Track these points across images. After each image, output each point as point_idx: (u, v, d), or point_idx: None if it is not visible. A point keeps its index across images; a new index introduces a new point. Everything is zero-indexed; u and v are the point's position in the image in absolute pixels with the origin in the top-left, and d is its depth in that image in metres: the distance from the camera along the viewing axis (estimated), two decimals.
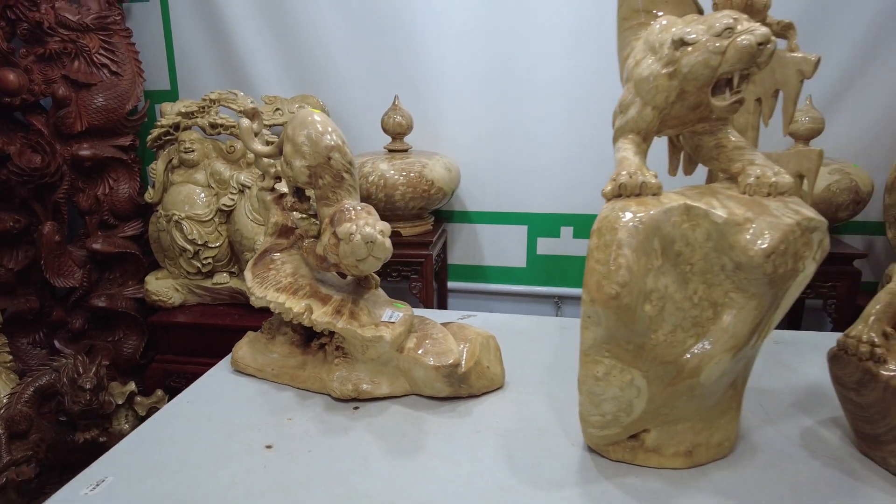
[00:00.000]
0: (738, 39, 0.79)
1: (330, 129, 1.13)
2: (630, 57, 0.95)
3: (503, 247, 2.60)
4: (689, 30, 0.84)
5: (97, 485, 0.95)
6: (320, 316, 1.14)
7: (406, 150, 2.27)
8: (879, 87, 2.14)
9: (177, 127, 2.35)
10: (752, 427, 1.10)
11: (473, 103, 2.43)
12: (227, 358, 1.37)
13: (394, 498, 0.91)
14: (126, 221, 2.56)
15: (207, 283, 2.40)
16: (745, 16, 0.82)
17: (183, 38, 2.61)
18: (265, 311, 1.25)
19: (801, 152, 1.02)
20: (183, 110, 2.35)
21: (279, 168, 1.29)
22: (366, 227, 1.03)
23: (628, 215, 0.83)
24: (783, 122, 1.03)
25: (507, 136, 2.44)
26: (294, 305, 1.17)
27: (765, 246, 0.81)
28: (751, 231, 0.82)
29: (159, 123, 2.35)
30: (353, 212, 1.08)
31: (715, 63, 0.81)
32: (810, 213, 0.85)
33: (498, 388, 1.23)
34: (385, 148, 2.29)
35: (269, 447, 1.05)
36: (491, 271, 2.66)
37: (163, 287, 2.42)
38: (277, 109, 2.40)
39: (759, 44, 0.79)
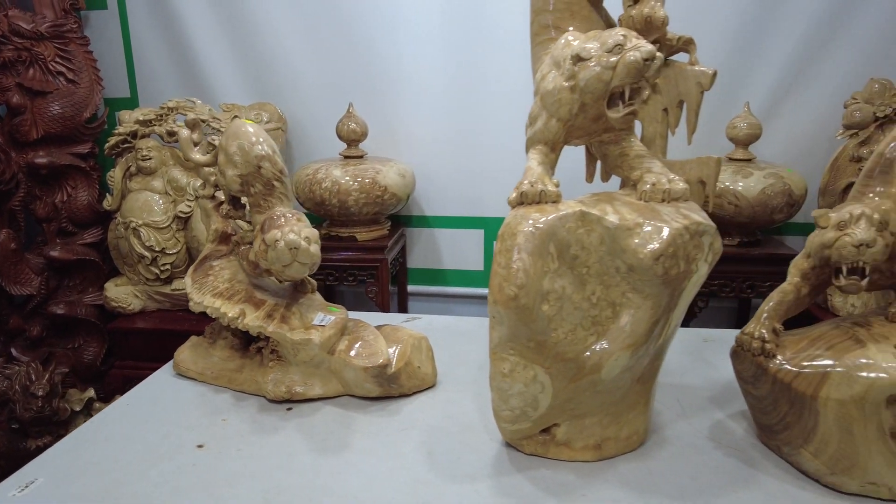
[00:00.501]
0: (627, 55, 0.85)
1: (261, 140, 1.17)
2: (538, 71, 1.01)
3: (461, 250, 2.65)
4: (585, 46, 0.90)
5: (27, 486, 0.98)
6: (252, 320, 1.18)
7: (361, 157, 2.32)
8: (815, 95, 2.23)
9: (134, 135, 2.36)
10: (666, 421, 1.16)
11: (430, 110, 2.48)
12: (169, 364, 1.40)
13: (314, 492, 0.95)
14: (85, 228, 2.56)
15: (166, 290, 2.41)
16: (635, 33, 0.88)
17: (142, 46, 2.63)
18: (214, 319, 1.29)
19: (702, 160, 1.08)
20: (141, 118, 2.37)
21: (216, 176, 1.32)
22: (290, 234, 1.07)
23: (526, 222, 0.88)
24: (687, 132, 1.09)
25: (464, 142, 2.49)
26: (229, 310, 1.21)
27: (653, 249, 0.87)
28: (640, 235, 0.88)
29: (117, 131, 2.37)
30: (282, 219, 1.12)
31: (607, 77, 0.87)
32: (699, 217, 0.91)
33: (430, 388, 1.28)
34: (341, 154, 2.33)
35: (200, 447, 1.08)
36: (450, 275, 2.70)
37: (122, 293, 2.43)
38: (236, 117, 2.42)
39: (645, 60, 0.84)
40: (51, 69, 2.37)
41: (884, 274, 0.97)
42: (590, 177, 1.16)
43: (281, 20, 2.45)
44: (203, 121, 2.37)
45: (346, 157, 2.31)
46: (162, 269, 2.33)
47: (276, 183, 1.18)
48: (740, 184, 2.02)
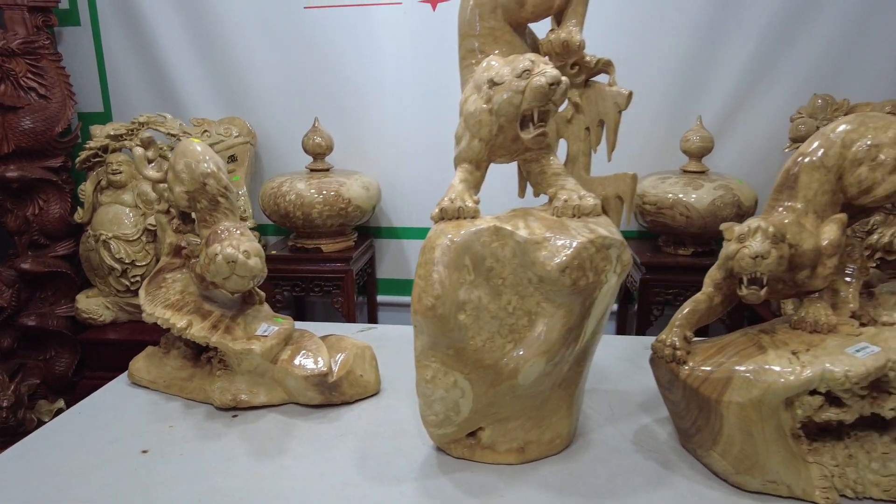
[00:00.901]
0: (533, 81, 0.91)
1: (207, 158, 1.23)
2: (464, 93, 1.07)
3: None
4: (500, 71, 0.96)
5: None
6: (198, 330, 1.22)
7: (327, 170, 2.37)
8: (765, 109, 2.31)
9: (105, 149, 2.41)
10: (594, 425, 1.21)
11: (396, 124, 2.54)
12: (124, 374, 1.44)
13: (247, 493, 1.00)
14: (57, 241, 2.60)
15: (136, 301, 2.43)
16: (544, 59, 0.94)
17: (115, 62, 2.67)
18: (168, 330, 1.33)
19: (618, 176, 1.14)
20: (112, 133, 2.41)
21: (167, 192, 1.37)
22: (228, 248, 1.12)
23: (444, 236, 0.94)
24: (607, 149, 1.15)
25: (429, 155, 2.55)
26: (178, 321, 1.26)
27: (559, 261, 0.92)
28: (548, 248, 0.93)
29: (88, 146, 2.41)
30: (225, 233, 1.17)
31: (517, 101, 0.93)
32: (606, 231, 0.96)
33: (373, 395, 1.32)
34: (307, 168, 2.38)
35: (144, 452, 1.12)
36: None
37: (94, 305, 2.46)
38: (205, 131, 2.48)
39: (550, 84, 0.90)
40: (22, 85, 2.42)
41: (787, 283, 1.03)
42: (521, 192, 1.22)
43: (250, 38, 2.51)
44: (173, 135, 2.43)
45: (311, 170, 2.36)
46: (132, 280, 2.37)
47: (220, 199, 1.23)
48: (693, 195, 2.09)
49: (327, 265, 2.30)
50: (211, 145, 2.36)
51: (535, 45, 1.14)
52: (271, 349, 1.22)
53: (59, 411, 2.49)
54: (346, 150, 2.53)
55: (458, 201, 0.97)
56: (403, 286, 2.77)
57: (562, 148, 1.20)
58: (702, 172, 2.18)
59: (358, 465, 1.08)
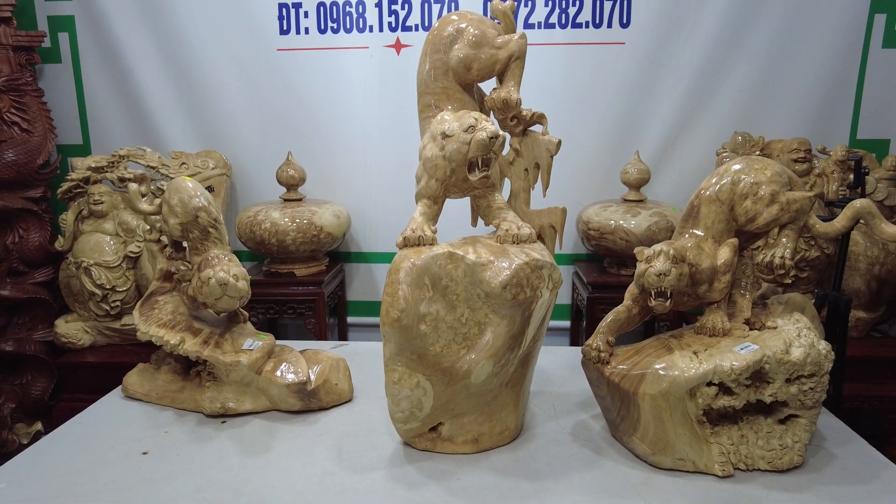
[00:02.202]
0: (477, 135, 1.12)
1: (198, 193, 1.40)
2: (421, 141, 1.27)
3: None
4: (451, 126, 1.17)
5: None
6: (191, 346, 1.38)
7: (300, 200, 2.55)
8: (695, 144, 2.59)
9: (87, 180, 2.54)
10: (539, 421, 1.41)
11: (365, 156, 2.74)
12: (118, 388, 1.58)
13: (238, 484, 1.16)
14: (36, 268, 2.69)
15: (116, 325, 2.56)
16: (486, 117, 1.16)
17: (95, 97, 2.80)
18: (159, 347, 1.49)
19: (551, 209, 1.35)
20: (93, 165, 2.55)
21: (161, 223, 1.54)
22: (220, 273, 1.29)
23: (407, 260, 1.13)
24: (542, 187, 1.36)
25: (395, 185, 2.75)
26: (171, 338, 1.41)
27: (501, 280, 1.13)
28: (492, 269, 1.14)
29: (70, 178, 2.54)
30: (216, 259, 1.34)
31: (464, 151, 1.14)
32: (538, 255, 1.17)
33: (347, 401, 1.50)
34: (281, 198, 2.56)
35: (144, 453, 1.27)
36: None
37: (73, 329, 2.56)
38: (183, 164, 2.63)
39: (490, 138, 1.12)
40: (6, 119, 2.54)
41: (690, 296, 1.25)
42: (473, 222, 1.42)
43: (226, 77, 2.69)
44: (153, 167, 2.57)
45: (285, 200, 2.54)
46: (112, 305, 2.49)
47: (211, 229, 1.40)
48: (632, 222, 2.34)
49: (300, 288, 2.46)
50: (189, 177, 2.52)
51: (481, 100, 1.36)
52: (256, 361, 1.39)
53: (38, 434, 2.57)
54: (317, 180, 2.72)
55: (418, 231, 1.17)
56: (372, 307, 2.94)
57: (506, 185, 1.41)
58: (640, 201, 2.44)
59: (335, 458, 1.25)
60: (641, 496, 1.12)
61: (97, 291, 2.46)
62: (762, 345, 1.16)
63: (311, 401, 1.42)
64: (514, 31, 1.31)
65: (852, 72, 2.58)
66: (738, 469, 1.20)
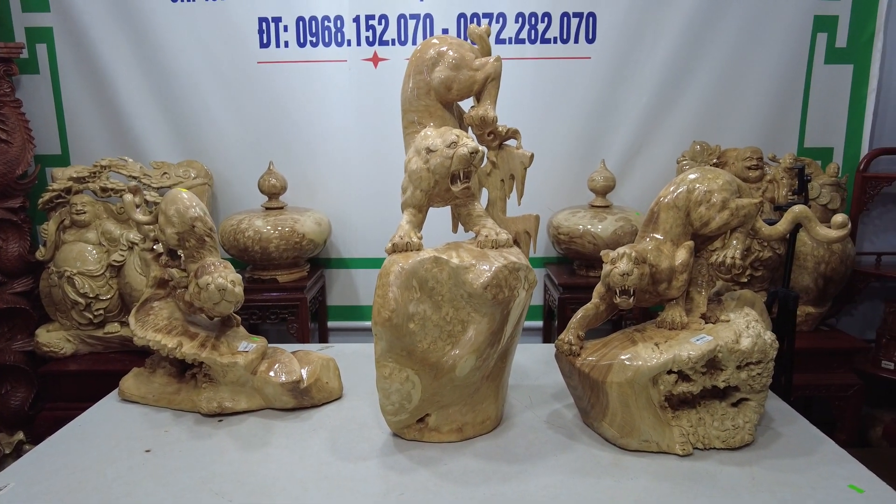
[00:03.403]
0: (458, 150, 1.24)
1: (194, 204, 1.48)
2: (406, 155, 1.38)
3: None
4: (434, 141, 1.28)
5: (2, 489, 1.21)
6: (189, 349, 1.46)
7: (282, 208, 2.63)
8: (658, 153, 2.76)
9: (68, 190, 2.57)
10: (517, 411, 1.52)
11: (344, 165, 2.83)
12: (114, 392, 1.64)
13: (241, 475, 1.24)
14: (15, 278, 2.71)
15: (99, 333, 2.59)
16: (466, 134, 1.27)
17: (73, 107, 2.83)
18: (149, 353, 1.55)
19: (526, 216, 1.47)
20: (75, 175, 2.58)
21: (156, 233, 1.61)
22: (219, 279, 1.38)
23: (396, 265, 1.24)
24: (517, 196, 1.48)
25: (375, 192, 2.84)
26: (168, 342, 1.49)
27: (482, 281, 1.24)
28: (474, 271, 1.25)
29: (51, 187, 2.57)
30: (212, 266, 1.43)
31: (447, 165, 1.25)
32: (515, 258, 1.29)
33: (337, 399, 1.59)
34: (262, 206, 2.63)
35: (147, 451, 1.34)
36: (366, 310, 3.02)
37: (54, 338, 2.59)
38: (165, 174, 2.68)
39: (471, 153, 1.23)
40: None
41: (651, 294, 1.38)
42: (454, 229, 1.53)
43: (207, 88, 2.76)
44: (134, 177, 2.62)
45: (267, 208, 2.61)
46: (96, 313, 2.52)
47: (206, 238, 1.48)
48: (599, 226, 2.48)
49: (283, 294, 2.54)
50: (170, 186, 2.59)
51: (461, 117, 1.47)
52: (252, 362, 1.47)
53: (20, 443, 2.59)
54: (298, 189, 2.80)
55: (406, 238, 1.28)
56: (352, 312, 3.03)
57: (484, 194, 1.53)
58: (606, 207, 2.59)
59: (330, 450, 1.34)
60: (611, 475, 1.24)
61: (80, 300, 2.50)
62: (715, 336, 1.30)
63: (303, 398, 1.51)
64: (490, 54, 1.43)
65: (798, 85, 2.78)
66: (697, 448, 1.33)
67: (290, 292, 2.54)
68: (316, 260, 2.92)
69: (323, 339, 2.99)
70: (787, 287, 2.16)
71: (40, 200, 2.59)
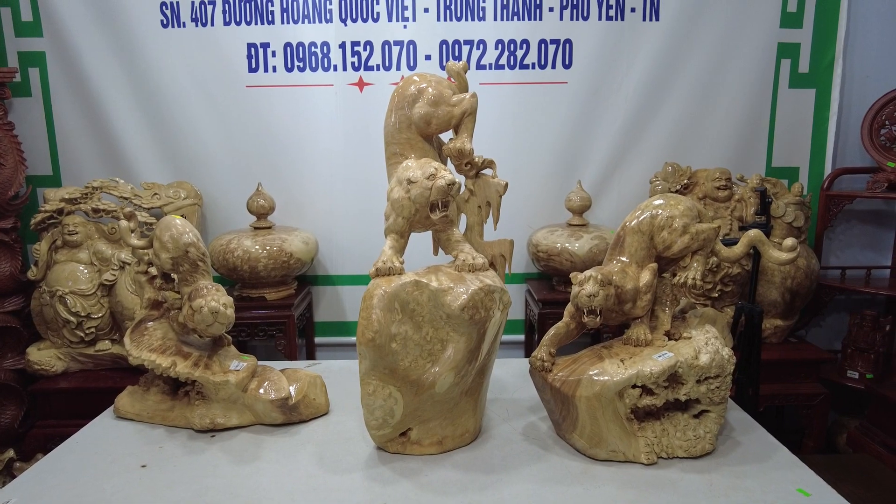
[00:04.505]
0: (437, 182, 1.33)
1: (188, 231, 1.56)
2: (389, 185, 1.48)
3: None
4: (415, 173, 1.37)
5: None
6: (183, 368, 1.53)
7: (270, 228, 2.71)
8: (631, 174, 2.89)
9: (60, 211, 2.63)
10: (495, 424, 1.61)
11: (331, 186, 2.93)
12: (109, 409, 1.71)
13: (233, 488, 1.32)
14: (7, 297, 2.76)
15: (90, 351, 2.64)
16: (444, 166, 1.37)
17: (65, 130, 2.90)
18: (141, 372, 1.62)
19: (501, 241, 1.57)
20: (66, 196, 2.65)
21: (151, 257, 1.68)
22: (212, 302, 1.46)
23: (379, 289, 1.33)
24: (493, 221, 1.58)
25: (361, 211, 2.94)
26: (163, 361, 1.56)
27: (460, 303, 1.33)
28: (451, 294, 1.34)
29: (43, 208, 2.63)
30: (205, 290, 1.51)
31: (427, 195, 1.35)
32: (491, 281, 1.39)
33: (324, 414, 1.67)
34: (251, 226, 2.71)
35: (143, 466, 1.41)
36: (352, 326, 3.10)
37: (45, 357, 2.64)
38: (156, 194, 2.76)
39: (448, 185, 1.33)
40: None
41: (618, 313, 1.48)
42: (435, 252, 1.62)
43: (197, 111, 2.84)
44: (125, 198, 2.69)
45: (255, 228, 2.69)
46: (87, 332, 2.58)
47: (199, 263, 1.56)
48: (576, 244, 2.59)
49: (271, 312, 2.61)
50: (161, 207, 2.66)
51: (440, 148, 1.57)
52: (243, 380, 1.55)
53: (11, 461, 2.63)
54: (286, 209, 2.88)
55: (388, 262, 1.37)
56: (339, 328, 3.10)
57: (463, 220, 1.62)
58: (582, 225, 2.70)
59: (317, 463, 1.42)
60: (580, 483, 1.33)
61: (72, 319, 2.55)
62: (676, 352, 1.40)
63: (292, 414, 1.59)
64: (467, 89, 1.53)
65: (765, 109, 2.93)
66: (661, 457, 1.42)
67: (278, 310, 2.62)
68: (303, 277, 2.99)
69: (310, 354, 3.07)
70: (753, 302, 2.27)
71: (33, 221, 2.65)
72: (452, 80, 1.55)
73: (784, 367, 2.70)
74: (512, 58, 2.83)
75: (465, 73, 1.55)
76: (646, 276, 1.48)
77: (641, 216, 1.50)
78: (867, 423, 2.57)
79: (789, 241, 1.50)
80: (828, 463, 2.33)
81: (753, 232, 1.54)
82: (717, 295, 2.64)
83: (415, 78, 1.51)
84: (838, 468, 2.27)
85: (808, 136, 2.98)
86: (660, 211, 1.49)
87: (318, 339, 3.09)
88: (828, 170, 2.97)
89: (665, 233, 1.48)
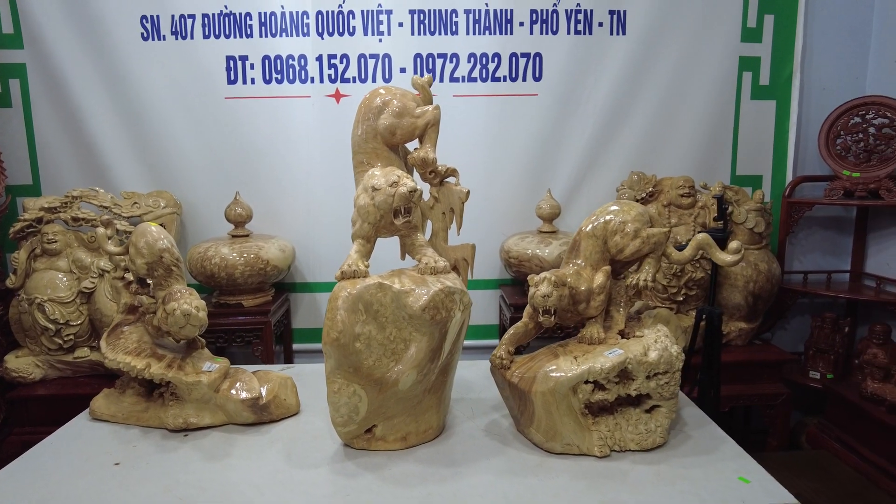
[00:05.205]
0: (399, 189, 1.41)
1: (162, 237, 1.62)
2: (356, 192, 1.55)
3: None
4: (379, 181, 1.45)
5: None
6: (157, 369, 1.59)
7: (247, 236, 2.76)
8: (599, 182, 2.99)
9: (39, 220, 2.67)
10: (459, 422, 1.68)
11: (307, 195, 2.99)
12: (85, 411, 1.76)
13: (204, 483, 1.37)
14: None
15: (68, 358, 2.67)
16: (406, 174, 1.44)
17: (45, 140, 2.94)
18: (118, 377, 1.67)
19: (464, 245, 1.65)
20: (46, 206, 2.69)
21: (127, 263, 1.74)
22: (184, 305, 1.52)
23: (344, 290, 1.39)
24: (456, 227, 1.65)
25: (337, 220, 3.00)
26: (138, 363, 1.61)
27: (421, 304, 1.41)
28: (413, 295, 1.41)
29: (22, 217, 2.66)
30: (178, 293, 1.56)
31: (390, 201, 1.42)
32: (451, 283, 1.46)
33: (294, 414, 1.73)
34: (229, 234, 2.77)
35: (117, 464, 1.46)
36: None
37: (23, 364, 2.66)
38: (135, 203, 2.80)
39: (410, 192, 1.41)
40: None
41: (572, 313, 1.56)
42: (402, 256, 1.70)
43: (176, 122, 2.90)
44: (105, 207, 2.74)
45: (233, 236, 2.75)
46: (65, 339, 2.61)
47: (173, 268, 1.62)
48: (546, 250, 2.67)
49: (248, 318, 2.66)
50: (141, 215, 2.71)
51: (405, 157, 1.65)
52: (215, 381, 1.61)
53: None
54: (263, 217, 2.94)
55: (353, 266, 1.44)
56: (317, 334, 3.15)
57: (429, 225, 1.70)
58: (552, 232, 2.78)
59: (285, 459, 1.48)
60: (535, 475, 1.40)
61: (50, 326, 2.58)
62: (626, 350, 1.48)
63: (263, 414, 1.65)
64: (431, 102, 1.61)
65: (728, 119, 3.04)
66: (614, 450, 1.50)
67: (255, 316, 2.67)
68: (281, 285, 3.05)
69: (288, 360, 3.11)
70: (713, 304, 2.37)
71: (12, 230, 2.68)
72: (418, 93, 1.63)
73: (748, 368, 2.80)
74: (484, 71, 2.92)
75: (430, 86, 1.63)
76: (599, 279, 1.56)
77: (596, 222, 1.59)
78: (825, 421, 2.67)
79: (734, 244, 1.59)
80: (786, 459, 2.42)
81: (701, 236, 1.63)
82: (682, 298, 2.74)
83: (380, 91, 1.59)
84: (796, 464, 2.36)
85: (770, 145, 3.10)
86: (613, 216, 1.58)
87: (296, 346, 3.14)
88: (789, 178, 3.08)
89: (618, 237, 1.57)
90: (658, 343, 1.51)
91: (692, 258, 1.66)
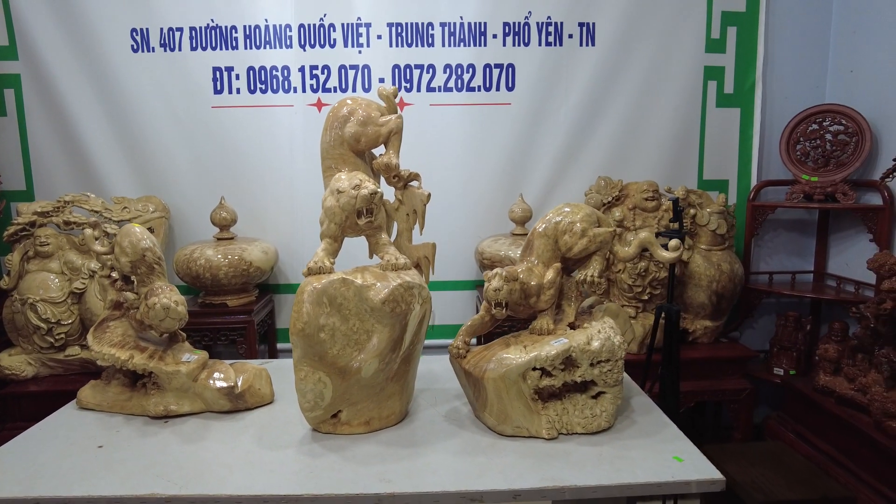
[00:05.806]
0: (361, 192, 1.54)
1: (145, 237, 1.75)
2: (324, 194, 1.67)
3: None
4: (343, 184, 1.57)
5: None
6: (139, 360, 1.71)
7: (232, 238, 2.89)
8: (568, 187, 3.12)
9: (32, 224, 2.79)
10: (422, 409, 1.80)
11: (290, 199, 3.12)
12: (72, 402, 1.87)
13: (183, 462, 1.49)
14: None
15: (60, 356, 2.78)
16: (368, 177, 1.57)
17: (39, 147, 3.06)
18: (106, 370, 1.79)
19: (425, 244, 1.77)
20: (39, 210, 2.81)
21: (113, 261, 1.86)
22: (164, 299, 1.64)
23: (310, 285, 1.52)
24: (419, 227, 1.78)
25: (317, 224, 3.10)
26: (121, 355, 1.73)
27: (381, 297, 1.53)
28: (374, 289, 1.54)
29: (16, 221, 2.78)
30: (160, 289, 1.69)
31: (353, 203, 1.55)
32: (410, 278, 1.58)
33: (269, 403, 1.84)
34: (214, 237, 2.89)
35: (100, 447, 1.58)
36: None
37: (16, 362, 2.77)
38: (125, 208, 2.92)
39: (371, 194, 1.53)
40: None
41: (524, 306, 1.68)
42: (370, 255, 1.82)
43: (165, 130, 3.03)
44: (96, 211, 2.86)
45: (218, 239, 2.87)
46: (57, 338, 2.72)
47: (155, 266, 1.74)
48: (518, 251, 2.79)
49: (232, 317, 2.78)
50: (130, 220, 2.83)
51: (371, 162, 1.77)
52: (193, 371, 1.73)
53: None
54: (247, 221, 3.07)
55: (319, 262, 1.56)
56: None
57: (395, 226, 1.82)
58: (524, 234, 2.91)
59: (257, 442, 1.60)
60: (485, 454, 1.52)
61: (42, 325, 2.70)
62: (571, 339, 1.61)
63: (238, 402, 1.77)
64: (396, 111, 1.74)
65: (694, 126, 3.18)
66: (562, 433, 1.62)
67: (239, 315, 2.79)
68: (265, 285, 3.17)
69: (272, 358, 3.22)
70: (671, 302, 2.49)
71: (5, 233, 2.80)
72: (383, 103, 1.76)
73: (712, 364, 2.92)
74: (459, 81, 3.05)
75: (395, 97, 1.76)
76: (549, 274, 1.69)
77: (548, 222, 1.71)
78: (783, 414, 2.79)
79: (673, 242, 1.72)
80: (744, 449, 2.54)
81: (644, 234, 1.76)
82: (647, 297, 2.87)
83: (347, 101, 1.72)
84: (752, 454, 2.48)
85: (735, 151, 3.23)
86: (562, 217, 1.71)
87: (280, 345, 3.26)
88: (754, 182, 3.22)
89: (567, 236, 1.70)
90: (601, 333, 1.63)
91: (635, 256, 1.79)
